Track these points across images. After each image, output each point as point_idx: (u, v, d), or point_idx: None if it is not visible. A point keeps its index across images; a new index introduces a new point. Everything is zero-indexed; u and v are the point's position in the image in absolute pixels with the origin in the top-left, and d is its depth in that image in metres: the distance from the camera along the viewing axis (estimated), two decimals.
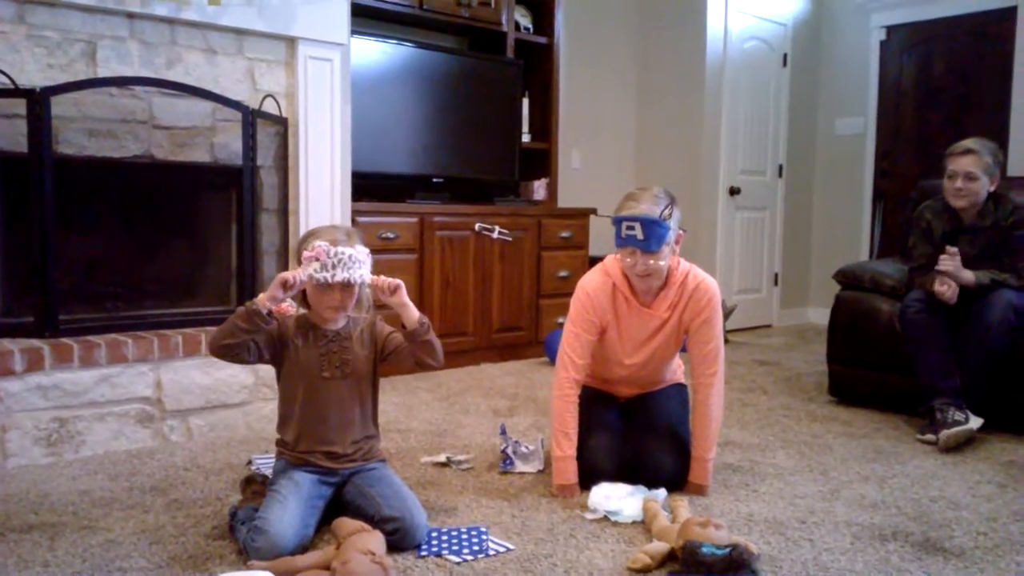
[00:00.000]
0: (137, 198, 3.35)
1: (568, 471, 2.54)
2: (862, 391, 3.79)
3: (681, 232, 2.54)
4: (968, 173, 3.38)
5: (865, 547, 2.20)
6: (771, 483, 2.71)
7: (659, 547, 2.06)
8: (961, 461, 2.99)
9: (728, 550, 1.94)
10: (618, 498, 2.37)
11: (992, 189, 3.43)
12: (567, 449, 2.55)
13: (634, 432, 2.66)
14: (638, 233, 2.42)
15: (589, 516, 2.35)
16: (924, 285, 3.41)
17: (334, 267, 2.13)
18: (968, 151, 3.39)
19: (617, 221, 2.47)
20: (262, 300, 2.12)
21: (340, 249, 2.13)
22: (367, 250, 2.22)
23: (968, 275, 3.31)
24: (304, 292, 2.23)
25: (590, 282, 2.62)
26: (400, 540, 2.11)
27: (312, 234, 2.23)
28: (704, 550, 1.93)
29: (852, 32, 6.41)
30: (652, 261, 2.45)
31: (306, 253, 2.14)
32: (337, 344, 2.28)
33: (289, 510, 2.09)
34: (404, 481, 2.28)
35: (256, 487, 2.34)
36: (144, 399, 2.99)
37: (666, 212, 2.45)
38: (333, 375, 2.27)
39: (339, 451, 2.27)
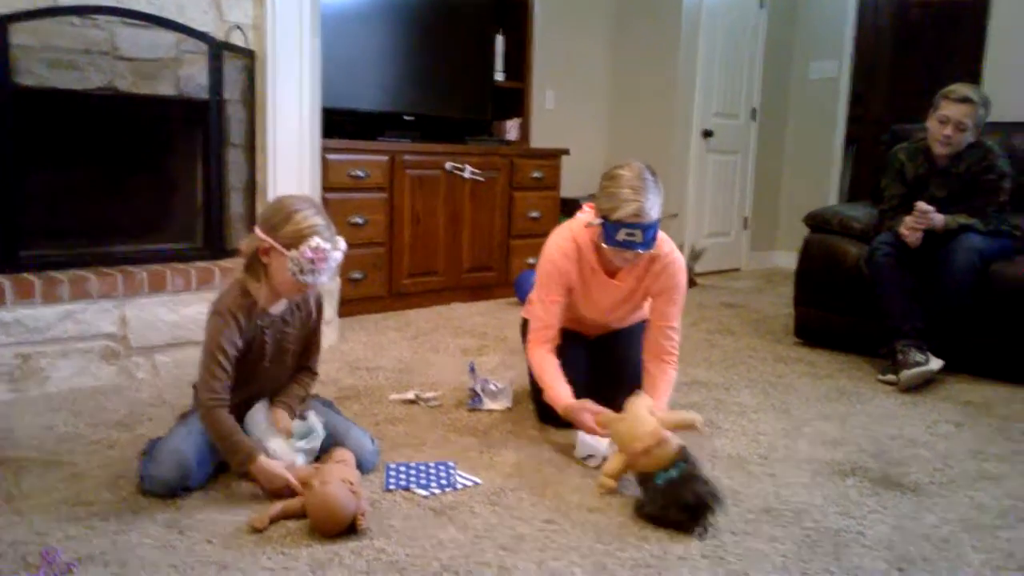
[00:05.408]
0: (101, 132, 3.26)
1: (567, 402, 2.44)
2: (828, 333, 3.83)
3: None
4: (960, 123, 3.35)
5: (824, 482, 2.25)
6: (735, 421, 2.75)
7: (613, 465, 2.09)
8: (921, 401, 3.05)
9: (678, 468, 1.95)
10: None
11: (972, 140, 3.43)
12: (565, 394, 2.46)
13: (601, 374, 2.66)
14: (638, 238, 2.31)
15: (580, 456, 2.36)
16: (893, 227, 3.43)
17: (321, 272, 2.04)
18: (966, 99, 3.34)
19: (615, 228, 2.32)
20: (262, 470, 1.98)
21: (336, 255, 2.05)
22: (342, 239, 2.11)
23: (938, 219, 3.33)
24: (262, 264, 2.06)
25: (556, 249, 2.53)
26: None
27: (300, 219, 2.01)
28: (658, 481, 1.96)
29: None
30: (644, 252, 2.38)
31: (305, 252, 1.98)
32: (279, 331, 2.18)
33: (194, 435, 2.05)
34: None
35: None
36: (109, 336, 2.96)
37: (663, 209, 2.36)
38: (272, 361, 2.19)
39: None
